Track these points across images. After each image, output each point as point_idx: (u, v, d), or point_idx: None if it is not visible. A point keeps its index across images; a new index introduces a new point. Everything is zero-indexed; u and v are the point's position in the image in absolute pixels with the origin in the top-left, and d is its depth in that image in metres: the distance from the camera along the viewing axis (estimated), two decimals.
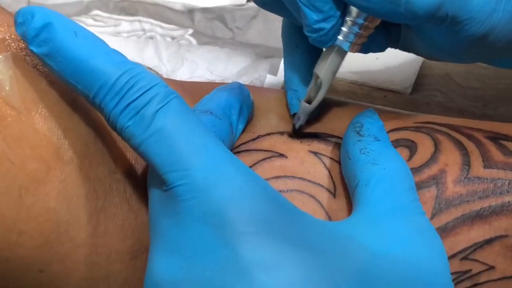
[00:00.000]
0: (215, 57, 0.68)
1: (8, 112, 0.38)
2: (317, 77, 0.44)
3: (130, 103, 0.36)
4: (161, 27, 0.72)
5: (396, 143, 0.45)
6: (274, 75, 0.65)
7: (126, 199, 0.41)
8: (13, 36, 0.40)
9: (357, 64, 0.64)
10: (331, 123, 0.47)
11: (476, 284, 0.43)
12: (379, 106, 0.49)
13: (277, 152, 0.45)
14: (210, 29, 0.71)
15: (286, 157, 0.45)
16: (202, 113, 0.43)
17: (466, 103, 0.63)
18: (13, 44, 0.40)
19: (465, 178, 0.44)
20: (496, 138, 0.46)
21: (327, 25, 0.42)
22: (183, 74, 0.66)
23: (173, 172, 0.36)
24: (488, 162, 0.44)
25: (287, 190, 0.44)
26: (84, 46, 0.37)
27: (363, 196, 0.40)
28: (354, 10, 0.41)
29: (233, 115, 0.44)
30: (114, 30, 0.72)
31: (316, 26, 0.42)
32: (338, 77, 0.65)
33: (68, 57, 0.37)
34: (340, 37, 0.43)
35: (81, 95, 0.37)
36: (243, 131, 0.46)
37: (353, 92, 0.64)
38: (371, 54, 0.47)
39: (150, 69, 0.67)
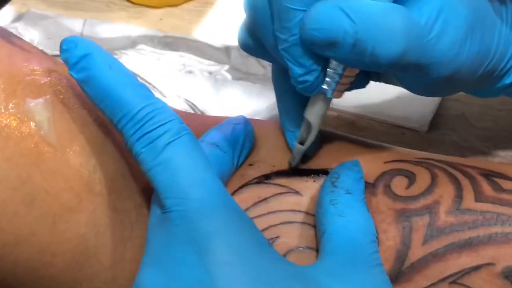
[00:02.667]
0: (248, 92, 0.73)
1: (45, 149, 0.43)
2: (307, 121, 0.48)
3: (146, 133, 0.42)
4: (200, 62, 0.78)
5: (397, 172, 0.49)
6: None
7: None
8: (52, 81, 0.45)
9: (378, 101, 0.69)
10: (344, 160, 0.51)
11: None
12: (386, 145, 0.54)
13: (293, 189, 0.49)
14: (244, 65, 0.76)
15: (301, 195, 0.49)
16: (209, 144, 0.48)
17: (478, 142, 0.67)
18: (52, 88, 0.45)
19: (457, 209, 0.48)
20: (489, 175, 0.50)
21: (310, 78, 0.45)
22: (217, 107, 0.72)
23: (171, 198, 0.41)
24: (479, 196, 0.48)
25: (301, 222, 0.48)
26: (116, 77, 0.43)
27: (328, 245, 0.44)
28: (333, 61, 0.45)
29: (236, 149, 0.49)
30: (156, 63, 0.78)
31: (301, 79, 0.45)
32: (359, 113, 0.69)
33: (101, 85, 0.42)
34: (324, 86, 0.46)
35: (108, 119, 0.43)
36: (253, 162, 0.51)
37: (373, 128, 0.69)
38: (391, 93, 0.50)
39: (188, 100, 0.72)
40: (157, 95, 0.70)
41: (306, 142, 0.49)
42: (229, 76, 0.76)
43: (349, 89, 0.48)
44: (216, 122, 0.52)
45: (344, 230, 0.44)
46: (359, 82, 0.49)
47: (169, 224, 0.41)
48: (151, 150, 0.41)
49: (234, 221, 0.41)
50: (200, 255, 0.39)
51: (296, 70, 0.45)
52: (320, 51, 0.44)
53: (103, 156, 0.45)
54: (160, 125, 0.42)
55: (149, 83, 0.74)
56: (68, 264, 0.44)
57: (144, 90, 0.43)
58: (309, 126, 0.49)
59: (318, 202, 0.46)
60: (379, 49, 0.42)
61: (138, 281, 0.41)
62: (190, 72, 0.76)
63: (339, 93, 0.47)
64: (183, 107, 0.71)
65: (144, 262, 0.41)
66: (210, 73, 0.76)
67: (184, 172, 0.41)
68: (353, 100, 0.52)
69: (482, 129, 0.67)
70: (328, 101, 0.48)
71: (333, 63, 0.45)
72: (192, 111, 0.71)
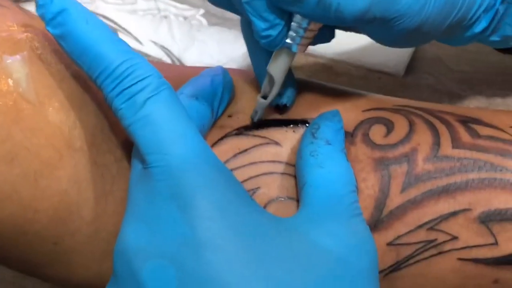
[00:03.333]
0: (223, 38, 0.73)
1: (24, 106, 0.42)
2: (270, 75, 0.48)
3: (125, 88, 0.41)
4: (175, 6, 0.77)
5: (375, 120, 0.50)
6: None
7: None
8: (29, 36, 0.45)
9: (355, 46, 0.69)
10: (323, 109, 0.51)
11: (441, 252, 0.47)
12: (364, 92, 0.54)
13: (273, 140, 0.49)
14: (219, 9, 0.76)
15: (281, 145, 0.49)
16: (188, 97, 0.47)
17: (455, 86, 0.67)
18: (29, 44, 0.44)
19: (434, 156, 0.48)
20: (466, 121, 0.50)
21: (274, 32, 0.45)
22: (193, 53, 0.71)
23: (153, 154, 0.41)
24: (456, 143, 0.49)
25: (281, 173, 0.48)
26: (93, 32, 0.42)
27: (308, 196, 0.44)
28: (298, 16, 0.45)
29: (215, 101, 0.49)
30: (131, 8, 0.77)
31: (264, 33, 0.45)
32: (336, 58, 0.69)
33: (78, 40, 0.42)
34: (288, 40, 0.46)
35: (86, 75, 0.43)
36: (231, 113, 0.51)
37: (349, 73, 0.69)
38: (367, 39, 0.49)
39: (164, 47, 0.72)
40: (132, 42, 0.70)
41: (269, 96, 0.48)
42: (204, 21, 0.75)
43: (313, 43, 0.48)
44: (194, 73, 0.52)
45: (324, 181, 0.44)
46: (324, 36, 0.49)
47: (151, 179, 0.41)
48: (130, 106, 0.41)
49: (216, 176, 0.41)
50: (183, 210, 0.40)
51: (259, 24, 0.45)
52: (285, 6, 0.44)
53: (82, 111, 0.45)
54: (139, 80, 0.41)
55: (125, 29, 0.74)
56: (50, 220, 0.44)
57: (122, 45, 0.42)
58: (272, 80, 0.48)
59: (298, 153, 0.47)
60: (344, 4, 0.42)
61: (121, 236, 0.41)
62: (165, 17, 0.76)
63: (302, 47, 0.47)
64: (158, 54, 0.71)
65: (127, 217, 0.42)
66: (185, 18, 0.76)
67: (164, 127, 0.41)
68: (330, 45, 0.51)
69: (458, 72, 0.68)
70: (292, 55, 0.47)
71: (297, 18, 0.45)
72: (168, 58, 0.71)
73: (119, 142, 0.47)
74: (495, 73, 0.67)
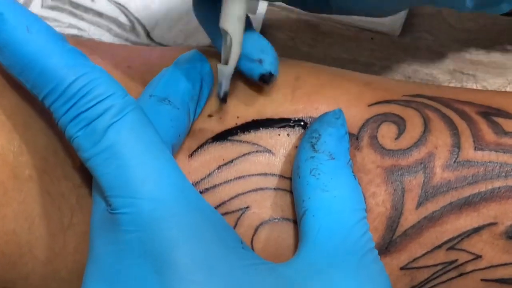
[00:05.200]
0: None
1: None
2: (225, 32, 0.39)
3: (81, 112, 0.33)
4: None
5: (384, 117, 0.42)
6: (253, 13, 0.61)
7: None
8: None
9: None
10: (322, 105, 0.43)
11: (462, 274, 0.41)
12: (366, 76, 0.46)
13: (263, 147, 0.41)
14: None
15: (273, 153, 0.41)
16: (159, 101, 0.39)
17: (457, 47, 0.59)
18: None
19: (454, 162, 0.41)
20: (488, 113, 0.43)
21: None
22: (153, 11, 0.62)
23: (119, 197, 0.33)
24: (479, 143, 0.42)
25: (274, 188, 0.41)
26: (36, 42, 0.33)
27: (310, 229, 0.37)
28: None
29: (192, 100, 0.40)
30: None
31: None
32: (323, 17, 0.61)
33: (17, 53, 0.33)
34: None
35: (32, 94, 0.34)
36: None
37: (339, 33, 0.60)
38: None
39: (119, 4, 0.62)
40: None
41: (230, 60, 0.39)
42: None
43: None
44: (163, 58, 0.43)
45: (329, 210, 0.37)
46: None
47: (119, 229, 0.33)
48: (89, 134, 0.33)
49: (199, 224, 0.33)
50: (159, 273, 0.32)
51: None
52: None
53: (29, 131, 0.37)
54: (99, 102, 0.33)
55: None
56: None
57: (75, 56, 0.34)
58: (228, 38, 0.39)
59: (295, 170, 0.39)
60: None
61: None
62: None
63: None
64: (113, 12, 0.61)
65: (89, 274, 0.34)
66: None
67: (132, 162, 0.33)
68: None
69: (461, 30, 0.60)
70: (244, 0, 0.38)
71: None
72: (124, 17, 0.61)
73: (78, 164, 0.38)
74: (503, 31, 0.59)
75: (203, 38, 0.60)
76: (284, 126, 0.42)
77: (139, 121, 0.34)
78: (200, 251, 0.33)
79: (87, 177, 0.38)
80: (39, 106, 0.38)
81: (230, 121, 0.42)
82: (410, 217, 0.40)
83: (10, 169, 0.36)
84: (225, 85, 0.40)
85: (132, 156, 0.33)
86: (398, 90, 0.44)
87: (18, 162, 0.36)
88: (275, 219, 0.40)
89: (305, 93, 0.43)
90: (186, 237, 0.33)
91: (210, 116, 0.42)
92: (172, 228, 0.33)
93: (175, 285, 0.32)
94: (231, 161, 0.41)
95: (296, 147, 0.41)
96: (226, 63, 0.40)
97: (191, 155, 0.41)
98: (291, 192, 0.40)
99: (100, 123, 0.33)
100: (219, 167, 0.40)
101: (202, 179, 0.40)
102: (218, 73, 0.40)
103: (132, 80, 0.37)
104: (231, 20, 0.38)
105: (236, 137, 0.41)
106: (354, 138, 0.41)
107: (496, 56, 0.59)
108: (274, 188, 0.40)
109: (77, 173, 0.38)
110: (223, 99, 0.40)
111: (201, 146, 0.41)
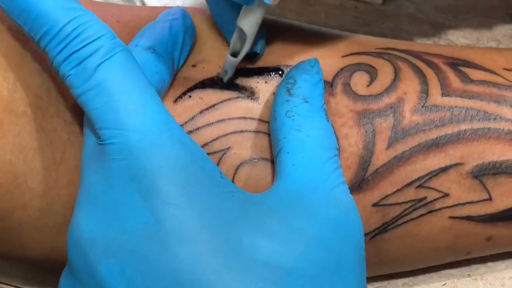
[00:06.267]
0: None
1: None
2: (241, 30, 0.43)
3: (73, 52, 0.36)
4: None
5: (357, 67, 0.45)
6: None
7: None
8: None
9: None
10: (298, 54, 0.46)
11: (431, 211, 0.44)
12: (343, 33, 0.49)
13: (243, 93, 0.44)
14: None
15: (253, 99, 0.44)
16: (144, 50, 0.42)
17: (437, 14, 0.62)
18: None
19: (422, 106, 0.44)
20: (455, 64, 0.46)
21: None
22: None
23: (108, 129, 0.36)
24: (446, 90, 0.45)
25: (254, 131, 0.44)
26: None
27: (285, 165, 0.39)
28: None
29: (176, 50, 0.43)
30: None
31: None
32: None
33: None
34: None
35: (28, 36, 0.37)
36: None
37: (323, 2, 0.63)
38: None
39: None
40: None
41: (240, 54, 0.43)
42: None
43: None
44: (150, 15, 0.46)
45: (302, 147, 0.40)
46: None
47: (108, 158, 0.36)
48: (80, 72, 0.36)
49: (181, 154, 0.36)
50: (144, 196, 0.35)
51: None
52: None
53: (23, 70, 0.40)
54: (89, 42, 0.36)
55: None
56: None
57: (68, 1, 0.37)
58: (243, 36, 0.43)
59: (272, 113, 0.42)
60: None
61: (74, 224, 0.36)
62: None
63: None
64: None
65: (80, 201, 0.37)
66: None
67: (120, 97, 0.36)
68: None
69: None
70: (265, 7, 0.42)
71: None
72: None
73: (69, 103, 0.41)
74: None
75: None
76: (262, 74, 0.45)
77: (126, 61, 0.37)
78: (181, 178, 0.35)
79: (78, 115, 0.41)
80: (33, 49, 0.40)
81: (212, 70, 0.45)
82: (381, 157, 0.43)
83: (5, 104, 0.39)
84: (230, 73, 0.44)
85: (120, 92, 0.36)
86: (371, 43, 0.47)
87: (12, 98, 0.39)
88: (254, 159, 0.43)
89: (282, 46, 0.46)
90: (169, 166, 0.35)
91: (193, 66, 0.45)
92: (156, 157, 0.35)
93: (158, 208, 0.35)
94: (213, 106, 0.43)
95: (274, 93, 0.44)
96: (234, 54, 0.43)
97: (175, 101, 0.44)
98: (269, 134, 0.43)
99: (90, 62, 0.36)
100: (201, 111, 0.43)
101: (185, 122, 0.43)
102: (226, 63, 0.43)
103: (120, 33, 0.41)
104: (250, 23, 0.42)
105: (217, 85, 0.44)
106: (329, 85, 0.44)
107: (473, 23, 0.61)
108: (254, 131, 0.43)
109: (69, 111, 0.41)
110: (225, 83, 0.44)
111: (184, 92, 0.44)
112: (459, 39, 0.60)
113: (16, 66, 0.40)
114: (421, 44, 0.49)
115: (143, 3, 0.64)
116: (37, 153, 0.40)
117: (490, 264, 0.51)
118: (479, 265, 0.51)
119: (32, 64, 0.41)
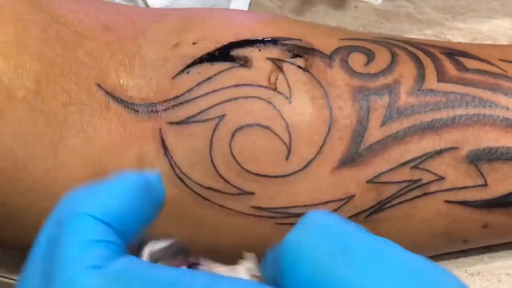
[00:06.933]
0: None
1: None
2: None
3: None
4: None
5: (355, 49, 0.45)
6: None
7: (82, 128, 0.42)
8: None
9: None
10: (288, 29, 0.46)
11: (426, 193, 0.44)
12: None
13: (238, 63, 0.45)
14: None
15: (247, 66, 0.44)
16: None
17: (436, 14, 0.63)
18: None
19: (418, 90, 0.44)
20: (452, 54, 0.46)
21: None
22: None
23: None
24: (442, 76, 0.45)
25: (247, 97, 0.44)
26: None
27: None
28: None
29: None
30: None
31: None
32: None
33: None
34: None
35: None
36: None
37: (324, 1, 0.64)
38: None
39: None
40: None
41: None
42: None
43: None
44: (151, 17, 0.47)
45: None
46: None
47: None
48: None
49: None
50: None
51: None
52: None
53: (23, 56, 0.41)
54: None
55: None
56: None
57: None
58: None
59: None
60: None
61: None
62: None
63: None
64: None
65: None
66: None
67: None
68: None
69: None
70: None
71: None
72: None
73: (65, 84, 0.42)
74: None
75: None
76: (256, 44, 0.45)
77: None
78: None
79: (74, 94, 0.42)
80: (33, 35, 0.41)
81: (211, 46, 0.45)
82: (375, 133, 0.43)
83: (6, 91, 0.40)
84: None
85: None
86: (369, 34, 0.48)
87: (13, 84, 0.40)
88: (249, 124, 0.43)
89: (279, 26, 0.46)
90: None
91: (194, 43, 0.45)
92: None
93: None
94: (209, 78, 0.44)
95: (267, 58, 0.44)
96: None
97: (174, 77, 0.44)
98: (261, 98, 0.43)
99: None
100: (198, 84, 0.43)
101: (182, 94, 0.43)
102: None
103: (108, 47, 0.41)
104: None
105: (215, 59, 0.44)
106: (327, 57, 0.44)
107: (471, 23, 0.62)
108: (247, 96, 0.43)
109: (65, 92, 0.42)
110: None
111: (183, 70, 0.44)
112: (457, 39, 0.60)
113: (16, 54, 0.40)
114: (418, 38, 0.49)
115: (146, 4, 0.65)
116: (36, 137, 0.40)
117: (487, 260, 0.51)
118: (476, 261, 0.51)
119: (32, 50, 0.41)
